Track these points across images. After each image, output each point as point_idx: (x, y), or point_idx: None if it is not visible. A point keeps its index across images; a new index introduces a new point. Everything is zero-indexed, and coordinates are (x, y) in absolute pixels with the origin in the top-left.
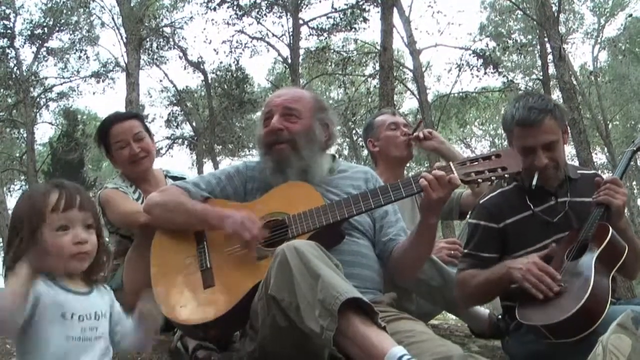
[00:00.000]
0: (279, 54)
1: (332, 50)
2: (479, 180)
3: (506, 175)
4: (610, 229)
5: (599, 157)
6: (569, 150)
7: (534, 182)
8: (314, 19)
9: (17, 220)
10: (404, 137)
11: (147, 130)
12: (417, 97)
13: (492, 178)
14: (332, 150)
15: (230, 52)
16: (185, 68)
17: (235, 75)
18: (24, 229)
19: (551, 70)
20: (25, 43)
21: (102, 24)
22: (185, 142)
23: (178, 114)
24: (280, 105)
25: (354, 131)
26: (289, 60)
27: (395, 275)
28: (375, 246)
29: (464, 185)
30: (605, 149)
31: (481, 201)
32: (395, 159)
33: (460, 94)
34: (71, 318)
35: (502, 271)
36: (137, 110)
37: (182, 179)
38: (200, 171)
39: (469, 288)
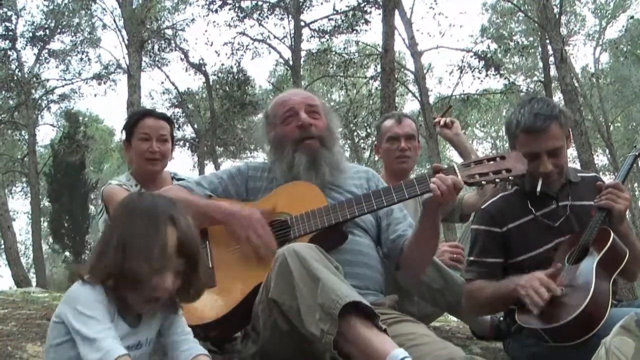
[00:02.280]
0: (281, 56)
1: (333, 52)
2: (483, 182)
3: (510, 178)
4: (612, 233)
5: (601, 159)
6: (570, 152)
7: (538, 188)
8: (316, 21)
9: (132, 238)
10: (399, 153)
11: (172, 137)
12: (419, 99)
13: (497, 180)
14: None
15: (232, 54)
16: (186, 70)
17: (236, 77)
18: (129, 254)
19: (552, 72)
20: (26, 45)
21: (104, 26)
22: (187, 144)
23: (179, 116)
24: (302, 102)
25: (355, 133)
26: (291, 62)
27: (405, 271)
28: (383, 245)
29: (467, 187)
30: (607, 150)
31: (483, 206)
32: (394, 170)
33: (462, 96)
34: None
35: (510, 288)
36: None
37: None
38: (201, 173)
39: (478, 301)
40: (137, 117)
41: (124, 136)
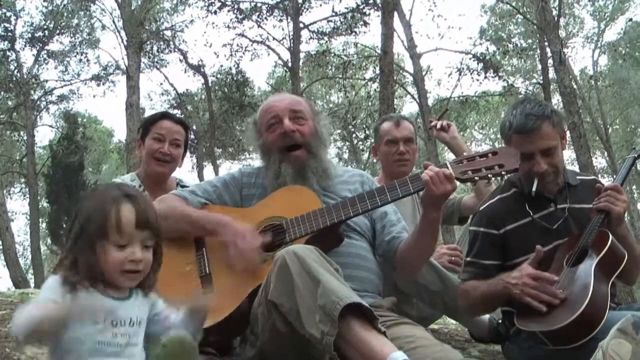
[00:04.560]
0: (280, 58)
1: (332, 54)
2: (476, 178)
3: (503, 173)
4: (610, 236)
5: (599, 161)
6: (569, 154)
7: (534, 189)
8: (315, 22)
9: (84, 220)
10: (398, 157)
11: (186, 145)
12: (418, 101)
13: (489, 176)
14: (332, 153)
15: (231, 55)
16: (185, 71)
17: (235, 78)
18: (85, 235)
19: (551, 74)
20: (25, 46)
21: (103, 27)
22: None
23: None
24: (286, 109)
25: (353, 135)
26: (290, 64)
27: (401, 272)
28: (378, 247)
29: (463, 187)
30: (605, 153)
31: (481, 208)
32: (392, 173)
33: (461, 98)
34: (104, 322)
35: (499, 287)
36: (137, 114)
37: None
38: (200, 174)
39: (471, 300)
40: (155, 117)
41: (139, 136)
